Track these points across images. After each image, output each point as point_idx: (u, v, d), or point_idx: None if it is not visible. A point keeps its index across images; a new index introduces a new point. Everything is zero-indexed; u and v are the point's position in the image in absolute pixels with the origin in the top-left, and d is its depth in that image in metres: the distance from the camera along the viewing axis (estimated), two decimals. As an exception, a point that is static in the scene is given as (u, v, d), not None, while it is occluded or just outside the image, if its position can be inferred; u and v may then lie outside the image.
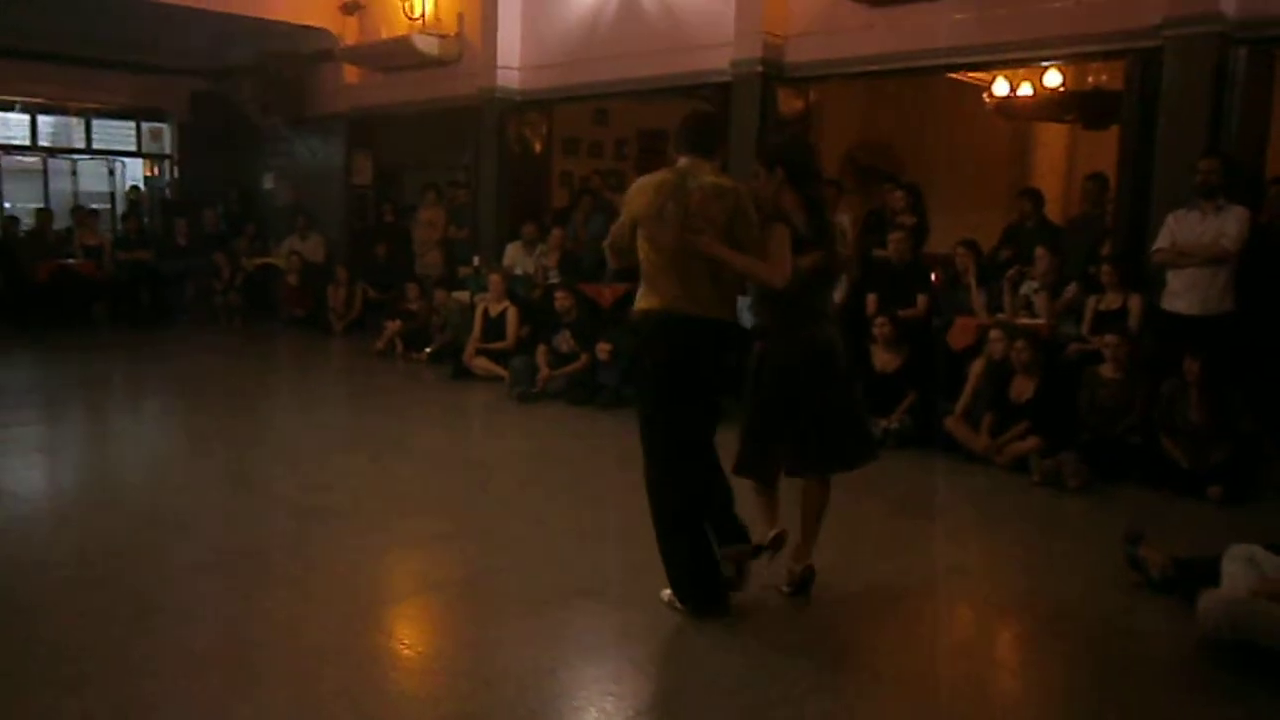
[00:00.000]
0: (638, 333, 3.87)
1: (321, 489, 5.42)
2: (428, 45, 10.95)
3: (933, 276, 7.61)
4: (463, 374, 8.79)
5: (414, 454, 6.48)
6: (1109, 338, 6.04)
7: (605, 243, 4.06)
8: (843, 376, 3.93)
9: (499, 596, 4.00)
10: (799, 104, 8.62)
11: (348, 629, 3.61)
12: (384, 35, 11.41)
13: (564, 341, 8.09)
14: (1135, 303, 6.36)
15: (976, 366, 6.48)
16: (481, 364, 8.73)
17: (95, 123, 14.17)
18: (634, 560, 4.12)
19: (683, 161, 3.83)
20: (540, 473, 6.10)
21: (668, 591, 3.82)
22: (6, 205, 13.59)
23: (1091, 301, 6.59)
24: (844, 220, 8.28)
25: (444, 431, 7.28)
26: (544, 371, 8.03)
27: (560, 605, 3.85)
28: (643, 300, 3.81)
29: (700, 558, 3.75)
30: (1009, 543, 5.05)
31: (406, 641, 3.66)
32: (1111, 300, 6.48)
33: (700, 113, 4.22)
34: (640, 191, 3.82)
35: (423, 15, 11.17)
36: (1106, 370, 6.05)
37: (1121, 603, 4.04)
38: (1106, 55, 7.36)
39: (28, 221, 12.47)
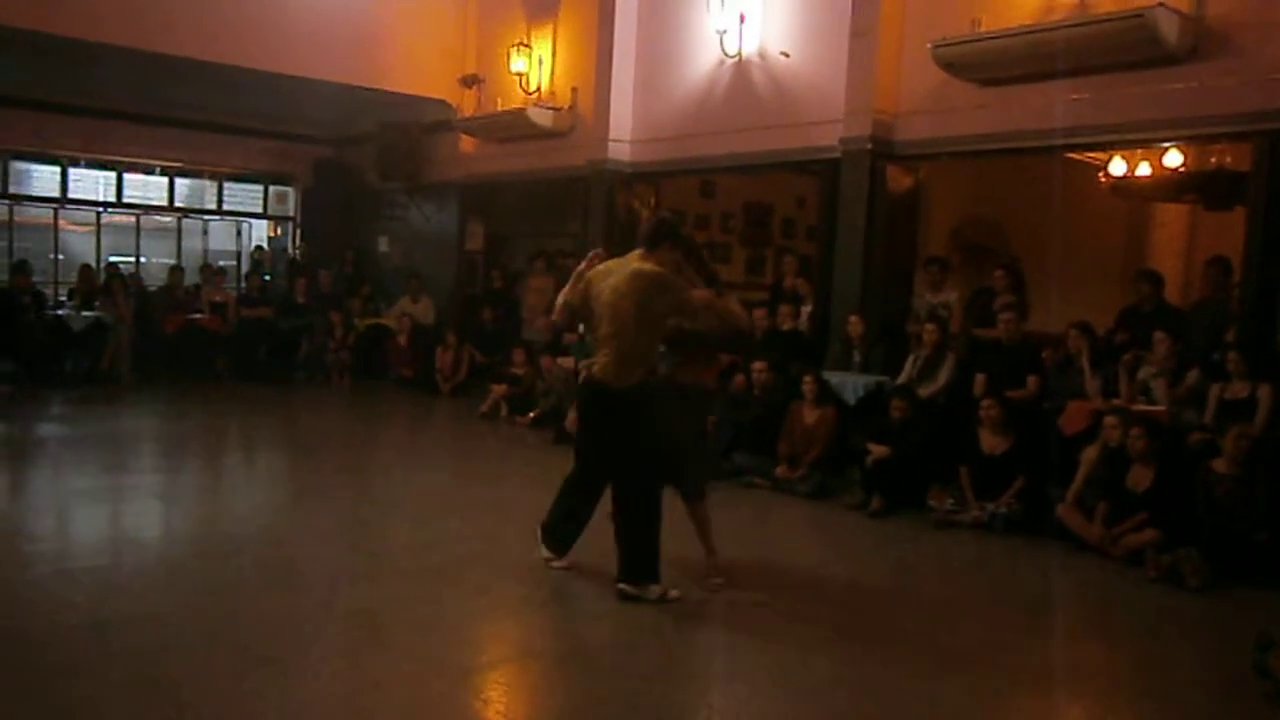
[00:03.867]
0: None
1: (426, 549, 5.52)
2: (542, 118, 11.29)
3: (1044, 357, 7.43)
4: (565, 440, 8.85)
5: (515, 518, 6.52)
6: (1233, 429, 5.75)
7: (560, 298, 4.99)
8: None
9: (597, 668, 3.99)
10: (908, 181, 8.60)
11: (447, 692, 3.65)
12: (500, 107, 11.81)
13: (665, 411, 8.09)
14: (1265, 392, 6.08)
15: (1090, 453, 6.27)
16: (582, 430, 8.79)
17: (226, 186, 14.95)
18: (727, 635, 4.07)
19: (631, 254, 4.78)
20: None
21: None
22: (143, 261, 14.40)
23: (1216, 389, 6.33)
24: (950, 298, 8.19)
25: (545, 496, 7.21)
26: (644, 440, 8.05)
27: (657, 679, 3.81)
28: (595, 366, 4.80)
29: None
30: (1125, 642, 4.82)
31: (501, 708, 3.66)
32: (1238, 389, 6.21)
33: (658, 215, 5.27)
34: (577, 277, 4.89)
35: (538, 89, 11.54)
36: (1220, 465, 5.76)
37: (1250, 713, 3.81)
38: (1232, 137, 7.15)
39: (161, 278, 13.19)
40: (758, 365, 7.85)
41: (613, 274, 4.72)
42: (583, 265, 4.96)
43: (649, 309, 4.60)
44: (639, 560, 4.71)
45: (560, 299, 4.99)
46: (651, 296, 4.59)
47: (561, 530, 5.16)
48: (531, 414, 9.82)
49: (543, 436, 9.22)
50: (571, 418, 8.14)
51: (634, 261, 4.71)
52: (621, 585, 4.70)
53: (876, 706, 3.72)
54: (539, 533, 5.22)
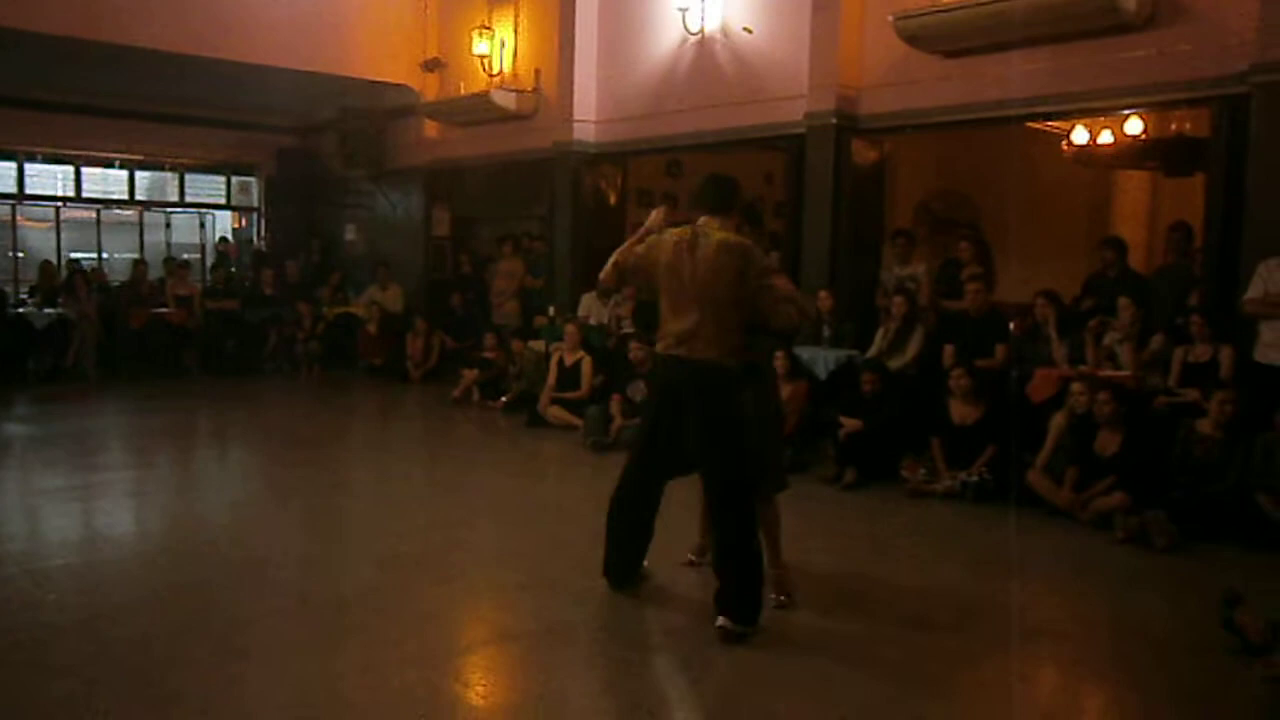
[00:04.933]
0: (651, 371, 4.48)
1: (399, 537, 5.50)
2: (505, 100, 11.23)
3: (1011, 327, 7.50)
4: (537, 423, 8.87)
5: (490, 502, 6.54)
6: (1218, 394, 5.82)
7: (616, 258, 4.46)
8: None
9: (574, 649, 4.01)
10: (873, 155, 8.63)
11: (425, 677, 3.65)
12: (463, 91, 11.72)
13: (638, 391, 8.11)
14: (1227, 354, 6.17)
15: (1058, 419, 6.34)
16: (556, 413, 8.81)
17: (188, 177, 14.76)
18: (706, 615, 4.10)
19: (701, 220, 4.30)
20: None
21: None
22: (104, 256, 14.21)
23: (1180, 353, 6.42)
24: (919, 271, 8.23)
25: (519, 480, 7.33)
26: (618, 421, 8.06)
27: (634, 659, 3.83)
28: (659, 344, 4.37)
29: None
30: (1097, 603, 4.90)
31: (481, 690, 3.67)
32: (1201, 352, 6.30)
33: (717, 175, 4.51)
34: (661, 247, 4.31)
35: (501, 72, 11.47)
36: (1205, 426, 5.84)
37: (1218, 667, 3.88)
38: (1191, 103, 7.22)
39: (124, 272, 13.03)
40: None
41: (680, 243, 4.22)
42: (652, 220, 4.50)
43: (744, 284, 4.12)
44: (752, 593, 4.08)
45: (614, 259, 4.46)
46: (745, 270, 4.13)
47: (632, 559, 4.61)
48: (503, 398, 9.79)
49: (515, 420, 9.20)
50: (613, 415, 8.06)
51: (714, 231, 4.20)
52: (728, 624, 4.00)
53: (854, 669, 3.76)
54: (608, 576, 4.59)
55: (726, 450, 4.17)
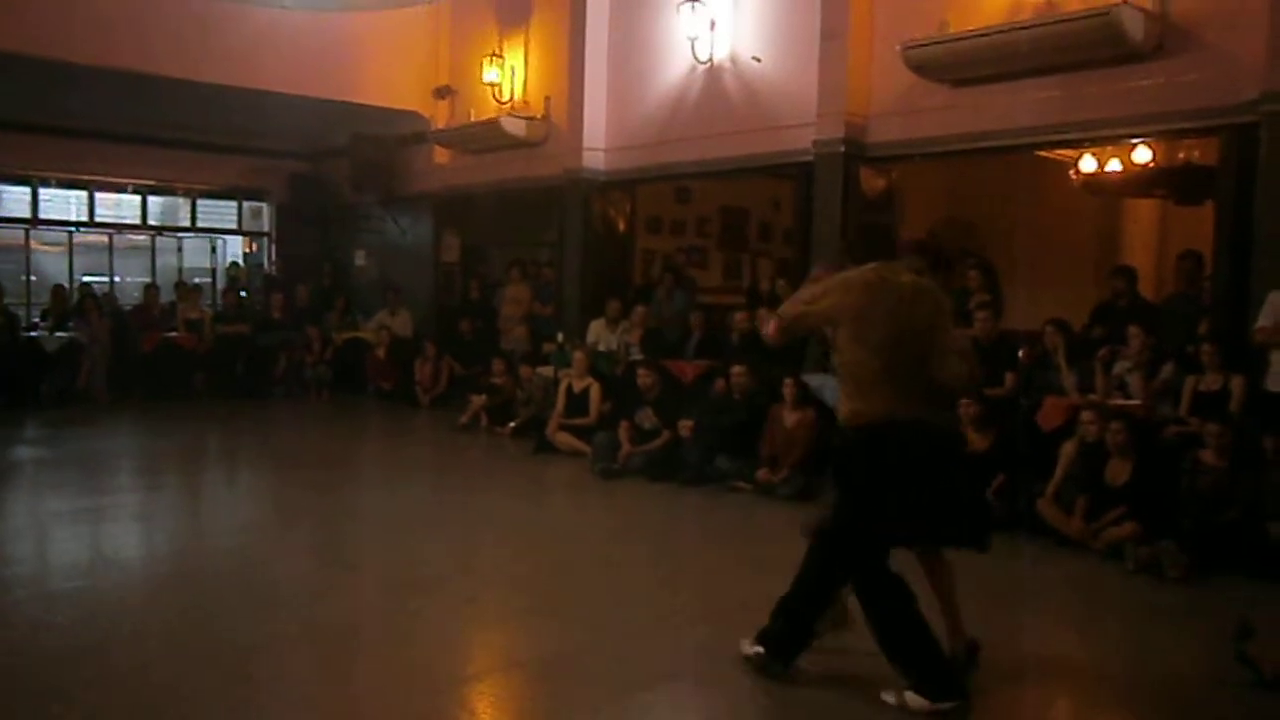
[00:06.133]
0: (848, 441, 3.80)
1: (407, 563, 5.49)
2: (515, 127, 11.30)
3: (1020, 355, 7.48)
4: (545, 448, 8.87)
5: (497, 528, 6.53)
6: (1210, 426, 5.80)
7: (788, 313, 3.93)
8: None
9: (580, 676, 3.98)
10: (881, 183, 8.66)
11: (431, 705, 3.63)
12: (473, 118, 11.81)
13: (646, 418, 8.12)
14: (1237, 384, 6.15)
15: (1068, 448, 6.31)
16: (564, 439, 8.80)
17: (200, 203, 14.85)
18: (714, 641, 4.07)
19: (871, 266, 3.82)
20: (621, 549, 6.08)
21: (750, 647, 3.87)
22: (116, 280, 14.29)
23: (1190, 382, 6.40)
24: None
25: (527, 506, 7.32)
26: (626, 447, 8.05)
27: (641, 687, 3.81)
28: (853, 406, 3.74)
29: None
30: (1110, 634, 4.85)
31: (488, 718, 3.65)
32: (1212, 381, 6.28)
33: (938, 240, 4.14)
34: (848, 289, 3.75)
35: (511, 99, 11.55)
36: (1208, 457, 5.82)
37: (1232, 702, 3.84)
38: (1200, 132, 7.23)
39: (135, 296, 13.11)
40: (736, 369, 7.87)
41: (871, 289, 3.72)
42: (821, 272, 4.08)
43: (943, 336, 3.75)
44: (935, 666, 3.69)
45: (793, 313, 3.92)
46: (946, 324, 3.79)
47: (806, 632, 3.92)
48: (511, 424, 9.79)
49: (523, 445, 9.19)
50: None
51: (913, 277, 3.78)
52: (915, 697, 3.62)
53: (864, 704, 3.72)
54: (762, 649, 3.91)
55: (951, 514, 3.84)
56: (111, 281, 14.14)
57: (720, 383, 8.06)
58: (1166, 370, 6.59)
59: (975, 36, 7.39)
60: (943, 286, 6.91)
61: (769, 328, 4.01)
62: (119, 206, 14.24)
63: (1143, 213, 10.75)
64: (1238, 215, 6.56)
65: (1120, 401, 6.55)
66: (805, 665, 3.90)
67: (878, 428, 3.67)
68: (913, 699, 3.61)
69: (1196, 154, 8.87)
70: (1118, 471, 5.99)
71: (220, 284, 14.55)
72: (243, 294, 13.56)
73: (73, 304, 11.93)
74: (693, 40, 9.57)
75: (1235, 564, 5.50)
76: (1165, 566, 5.42)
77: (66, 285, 12.84)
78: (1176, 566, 5.40)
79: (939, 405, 3.84)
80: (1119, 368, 6.78)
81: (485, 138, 11.70)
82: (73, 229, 13.87)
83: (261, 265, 15.39)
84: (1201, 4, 6.75)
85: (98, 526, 6.21)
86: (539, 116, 11.35)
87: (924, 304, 3.70)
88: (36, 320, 12.28)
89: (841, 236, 7.02)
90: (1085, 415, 6.27)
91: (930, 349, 3.67)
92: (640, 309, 9.63)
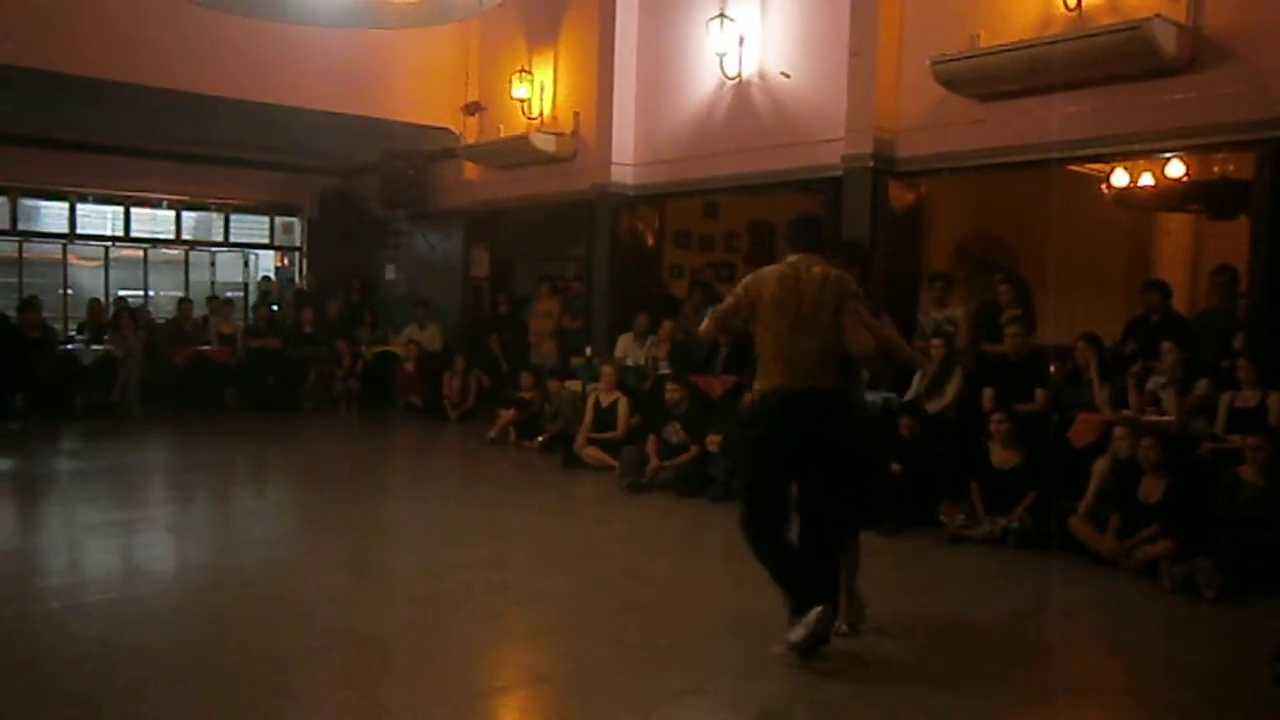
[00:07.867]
0: (752, 410, 4.42)
1: (435, 576, 5.51)
2: (545, 143, 11.36)
3: (1051, 370, 7.41)
4: (573, 463, 8.88)
5: (525, 543, 6.54)
6: (1251, 439, 5.70)
7: (713, 313, 4.56)
8: None
9: (606, 691, 3.97)
10: (910, 197, 8.63)
11: (458, 718, 3.63)
12: (503, 134, 11.89)
13: (674, 433, 8.11)
14: (1275, 400, 6.05)
15: (1101, 465, 6.24)
16: (592, 453, 8.81)
17: (233, 218, 15.03)
18: (742, 658, 4.05)
19: (793, 257, 4.37)
20: (649, 565, 6.07)
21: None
22: (151, 294, 14.49)
23: (1226, 398, 6.31)
24: (957, 314, 8.18)
25: (554, 520, 7.33)
26: (654, 462, 8.04)
27: (668, 703, 3.79)
28: (761, 382, 4.32)
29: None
30: (1146, 654, 4.78)
31: (516, 735, 3.65)
32: (1248, 397, 6.19)
33: (805, 215, 4.76)
34: (762, 281, 4.32)
35: (540, 115, 11.62)
36: (1248, 473, 5.72)
37: (1269, 723, 3.78)
38: (1233, 146, 7.16)
39: (169, 310, 13.29)
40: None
41: (784, 278, 4.27)
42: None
43: (845, 316, 4.18)
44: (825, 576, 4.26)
45: (710, 316, 4.59)
46: (845, 303, 4.20)
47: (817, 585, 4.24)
48: (540, 438, 9.81)
49: (551, 460, 9.21)
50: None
51: (816, 266, 4.29)
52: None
53: (892, 724, 3.69)
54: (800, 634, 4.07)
55: (847, 478, 4.31)
56: (146, 295, 14.33)
57: (748, 397, 8.02)
58: (1201, 386, 6.50)
59: (1006, 51, 7.36)
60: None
61: (703, 325, 4.65)
62: (154, 221, 14.43)
63: (1175, 227, 10.65)
64: (1273, 230, 6.48)
65: (1154, 418, 6.46)
66: (839, 686, 3.86)
67: (769, 395, 4.27)
68: (790, 633, 4.04)
69: (1231, 168, 8.78)
70: (1151, 488, 5.91)
71: (252, 298, 14.71)
72: (274, 308, 13.70)
73: (108, 318, 12.10)
74: (721, 56, 9.59)
75: (1274, 583, 5.40)
76: (1201, 585, 5.33)
77: (102, 299, 13.04)
78: (1212, 585, 5.30)
79: (848, 377, 4.34)
80: (1152, 383, 6.70)
81: (514, 153, 11.77)
82: (109, 244, 14.08)
83: (293, 280, 15.54)
84: (1235, 17, 6.69)
85: (130, 539, 6.27)
86: (568, 132, 11.40)
87: (831, 290, 4.20)
88: (73, 334, 12.47)
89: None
90: (1118, 431, 6.19)
91: (839, 329, 4.16)
92: (668, 323, 9.63)
